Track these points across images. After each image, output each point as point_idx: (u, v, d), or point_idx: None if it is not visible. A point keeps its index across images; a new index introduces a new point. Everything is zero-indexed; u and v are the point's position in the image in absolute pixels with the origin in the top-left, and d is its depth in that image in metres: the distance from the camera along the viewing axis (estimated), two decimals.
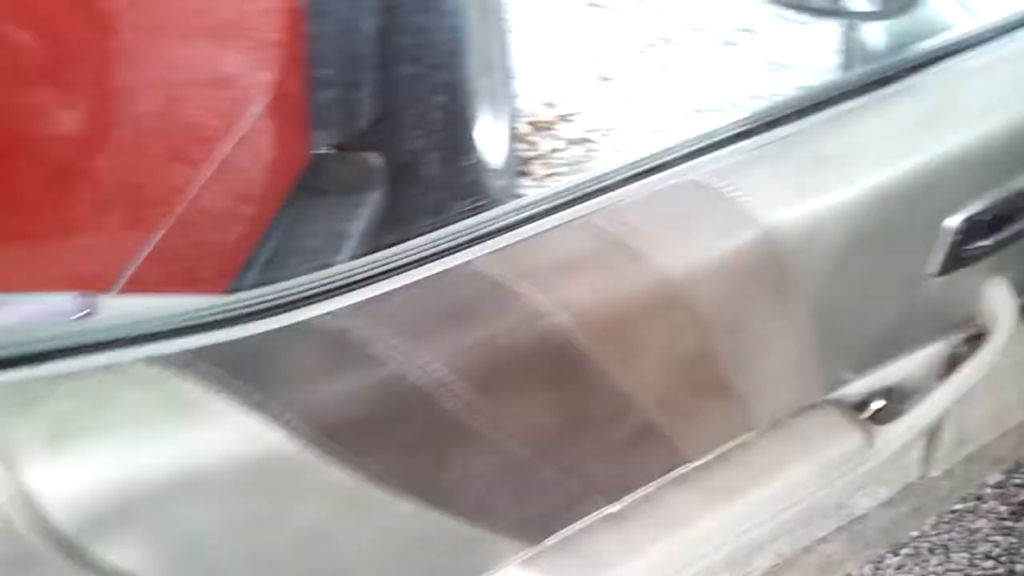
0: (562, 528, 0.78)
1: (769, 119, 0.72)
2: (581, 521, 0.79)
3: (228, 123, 1.41)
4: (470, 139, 2.01)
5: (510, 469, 0.68)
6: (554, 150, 2.61)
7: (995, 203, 0.79)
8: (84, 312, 0.61)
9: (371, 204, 1.79)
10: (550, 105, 2.82)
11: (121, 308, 0.61)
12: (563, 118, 2.77)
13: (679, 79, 2.92)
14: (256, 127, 1.49)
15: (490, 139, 2.17)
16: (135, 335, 0.56)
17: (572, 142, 2.64)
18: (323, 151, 1.82)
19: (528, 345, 0.62)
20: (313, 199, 1.75)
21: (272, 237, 1.60)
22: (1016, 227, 0.82)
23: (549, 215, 0.66)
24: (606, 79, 2.94)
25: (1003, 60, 0.80)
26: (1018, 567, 1.44)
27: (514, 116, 2.38)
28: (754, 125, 0.71)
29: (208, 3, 1.35)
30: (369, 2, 1.75)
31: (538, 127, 2.73)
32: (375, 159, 1.88)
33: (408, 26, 1.84)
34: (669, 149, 0.70)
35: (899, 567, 1.44)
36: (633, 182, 0.68)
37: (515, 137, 2.40)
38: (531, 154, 2.60)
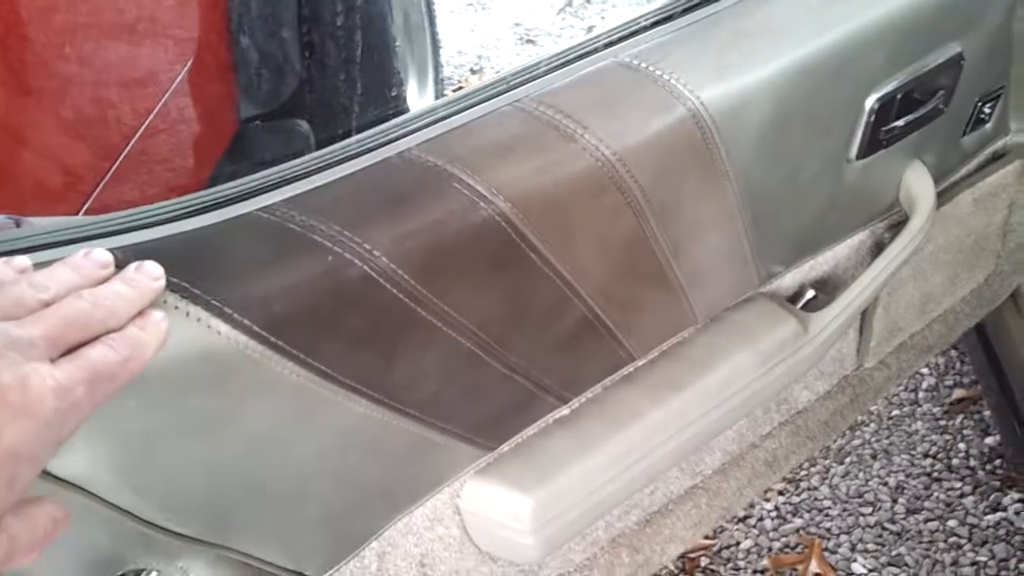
0: (515, 432, 0.79)
1: (691, 3, 0.73)
2: (534, 426, 0.80)
3: (154, 98, 1.39)
4: (397, 104, 2.00)
5: (458, 365, 0.67)
6: None
7: (907, 82, 0.81)
8: (11, 227, 0.59)
9: None
10: (476, 71, 2.82)
11: (54, 223, 0.59)
12: None
13: None
14: (181, 100, 1.47)
15: (417, 105, 2.17)
16: (69, 238, 0.54)
17: None
18: (250, 121, 1.80)
19: (467, 230, 0.62)
20: (242, 168, 1.72)
21: None
22: (927, 108, 0.85)
23: (481, 104, 0.66)
24: (530, 41, 2.95)
25: None
26: (954, 461, 1.50)
27: (441, 82, 2.38)
28: (676, 9, 0.73)
29: None
30: None
31: None
32: (302, 126, 1.87)
33: None
34: (596, 36, 0.70)
35: (845, 475, 1.48)
36: (561, 68, 0.69)
37: None
38: None
